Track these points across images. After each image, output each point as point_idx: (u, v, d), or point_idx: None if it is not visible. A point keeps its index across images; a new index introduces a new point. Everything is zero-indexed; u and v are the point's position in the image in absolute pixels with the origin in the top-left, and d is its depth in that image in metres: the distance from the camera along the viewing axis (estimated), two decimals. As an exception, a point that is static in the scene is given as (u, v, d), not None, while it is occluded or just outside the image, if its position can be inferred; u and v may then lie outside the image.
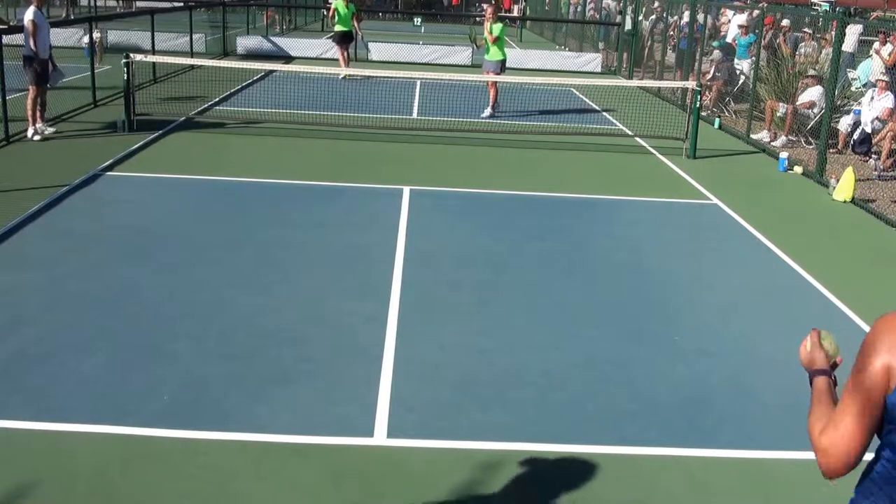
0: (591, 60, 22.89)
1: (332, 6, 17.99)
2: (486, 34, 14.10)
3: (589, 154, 11.86)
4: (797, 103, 13.12)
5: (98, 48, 16.77)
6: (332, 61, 19.44)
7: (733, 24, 17.49)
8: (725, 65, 15.93)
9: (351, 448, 4.25)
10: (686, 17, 17.42)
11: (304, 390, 4.79)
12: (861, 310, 6.47)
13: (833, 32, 12.51)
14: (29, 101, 10.74)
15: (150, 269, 6.55)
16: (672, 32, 19.27)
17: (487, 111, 14.30)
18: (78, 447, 4.09)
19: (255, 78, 16.99)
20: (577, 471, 4.16)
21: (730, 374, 5.31)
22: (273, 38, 23.59)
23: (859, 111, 12.38)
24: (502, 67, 14.43)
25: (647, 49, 21.10)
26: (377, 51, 22.56)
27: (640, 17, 21.48)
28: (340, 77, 16.68)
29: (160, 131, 11.73)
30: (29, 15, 10.59)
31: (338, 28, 18.07)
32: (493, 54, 14.25)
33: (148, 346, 5.21)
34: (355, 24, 18.57)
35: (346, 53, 18.13)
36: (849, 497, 2.05)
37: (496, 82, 14.38)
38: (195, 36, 20.31)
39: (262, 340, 5.40)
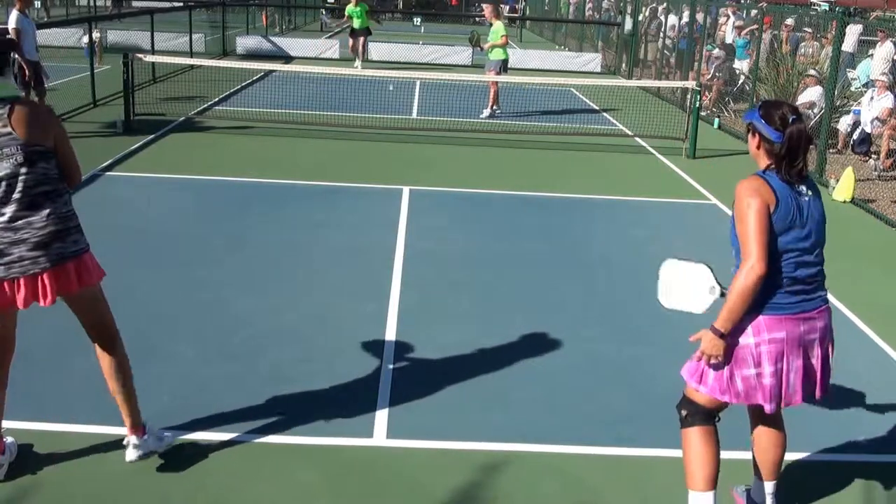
0: (591, 60, 22.91)
1: (346, 13, 19.72)
2: (499, 37, 14.02)
3: (589, 154, 11.86)
4: (797, 103, 13.12)
5: (97, 48, 16.77)
6: (332, 61, 19.47)
7: (730, 24, 17.50)
8: (725, 65, 15.94)
9: (351, 448, 4.25)
10: (685, 17, 17.41)
11: (303, 390, 4.79)
12: (861, 310, 6.47)
13: (833, 32, 12.51)
14: None
15: (150, 269, 6.55)
16: (663, 31, 19.26)
17: (486, 111, 14.30)
18: (78, 447, 4.08)
19: (254, 78, 17.00)
20: (577, 471, 4.16)
21: (730, 374, 5.30)
22: (272, 38, 23.61)
23: (859, 111, 12.38)
24: (504, 67, 14.41)
25: (642, 47, 21.11)
26: (377, 51, 22.56)
27: (640, 17, 21.48)
28: (357, 66, 18.20)
29: (160, 131, 11.73)
30: (12, 22, 10.09)
31: (357, 25, 19.56)
32: (495, 54, 14.24)
33: (148, 346, 5.20)
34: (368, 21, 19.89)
35: (358, 45, 19.70)
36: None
37: (497, 82, 14.38)
38: (195, 36, 20.33)
39: (262, 340, 5.40)
